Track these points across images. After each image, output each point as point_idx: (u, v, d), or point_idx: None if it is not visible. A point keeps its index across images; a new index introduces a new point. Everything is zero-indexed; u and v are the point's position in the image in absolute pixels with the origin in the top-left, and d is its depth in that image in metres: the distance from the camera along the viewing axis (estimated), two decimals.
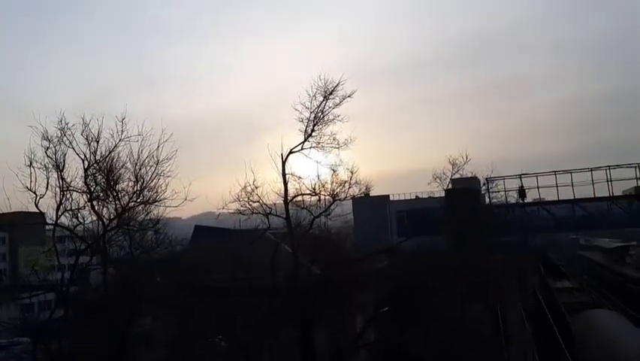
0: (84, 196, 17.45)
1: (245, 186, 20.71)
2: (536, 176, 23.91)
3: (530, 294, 31.41)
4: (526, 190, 24.68)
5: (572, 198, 41.11)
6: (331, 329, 22.11)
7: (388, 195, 35.30)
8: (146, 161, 17.77)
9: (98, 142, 17.21)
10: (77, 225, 17.65)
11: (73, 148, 17.07)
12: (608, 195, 47.86)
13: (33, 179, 16.66)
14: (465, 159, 22.06)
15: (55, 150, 16.80)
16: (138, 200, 17.93)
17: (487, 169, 24.87)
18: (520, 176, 23.58)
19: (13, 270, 73.90)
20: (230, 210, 21.69)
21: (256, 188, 20.90)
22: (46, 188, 16.89)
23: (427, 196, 55.56)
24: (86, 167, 17.21)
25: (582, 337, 25.98)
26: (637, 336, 22.90)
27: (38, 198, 16.81)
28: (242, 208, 21.27)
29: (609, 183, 46.52)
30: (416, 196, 53.54)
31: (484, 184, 23.67)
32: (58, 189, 16.98)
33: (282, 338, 18.98)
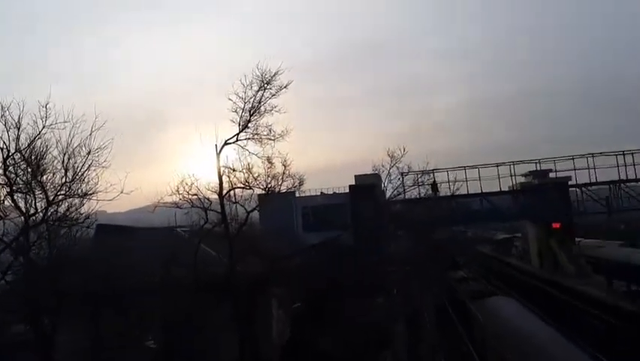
0: (3, 189, 15.52)
1: (183, 180, 19.82)
2: (447, 171, 25.07)
3: (432, 285, 32.89)
4: (439, 184, 25.70)
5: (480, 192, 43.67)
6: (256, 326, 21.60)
7: (294, 192, 35.19)
8: (77, 150, 16.19)
9: (19, 129, 15.33)
10: None
11: None
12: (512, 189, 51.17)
13: None
14: (402, 151, 22.42)
15: None
16: (67, 193, 16.23)
17: (422, 162, 25.54)
18: (432, 171, 24.51)
19: None
20: (167, 204, 20.41)
21: (196, 180, 20.07)
22: None
23: (332, 193, 56.30)
24: (5, 156, 15.26)
25: (482, 321, 27.52)
26: (529, 319, 24.77)
27: None
28: (180, 202, 20.15)
29: (512, 177, 49.88)
30: (321, 192, 53.81)
31: (398, 178, 24.36)
32: None
33: (217, 334, 18.01)
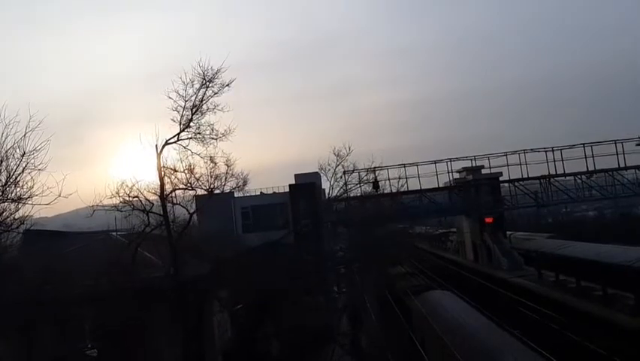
0: None
1: (123, 182, 18.97)
2: (387, 169, 25.22)
3: (374, 281, 33.38)
4: (380, 182, 25.97)
5: (419, 188, 44.53)
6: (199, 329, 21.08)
7: (232, 192, 34.74)
8: (10, 152, 14.96)
9: None
10: None
11: None
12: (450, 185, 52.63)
13: None
14: (348, 150, 22.13)
15: None
16: (0, 197, 15.14)
17: (368, 160, 25.49)
18: (373, 169, 24.64)
19: None
20: (105, 207, 19.56)
21: (137, 182, 19.20)
22: None
23: (272, 192, 56.03)
24: None
25: (424, 313, 28.23)
26: (466, 310, 25.68)
27: None
28: (120, 205, 19.42)
29: (449, 174, 51.29)
30: (260, 192, 53.43)
31: (341, 177, 24.32)
32: None
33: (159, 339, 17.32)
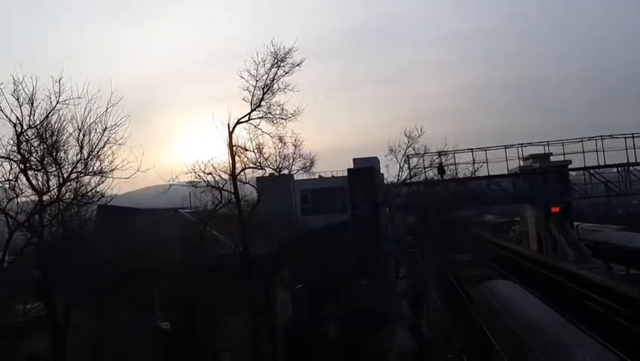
0: (15, 166, 14.84)
1: (198, 159, 19.51)
2: (454, 153, 24.28)
3: (436, 267, 32.96)
4: (445, 167, 25.19)
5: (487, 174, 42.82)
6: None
7: (292, 175, 35.08)
8: (92, 127, 15.48)
9: (32, 104, 14.62)
10: (10, 198, 14.90)
11: (2, 110, 14.44)
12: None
13: None
14: (420, 131, 21.55)
15: None
16: (83, 170, 15.59)
17: (436, 144, 24.77)
18: (439, 153, 23.91)
19: None
20: (182, 183, 20.30)
21: (211, 159, 19.69)
22: None
23: (330, 176, 56.14)
24: (18, 132, 14.62)
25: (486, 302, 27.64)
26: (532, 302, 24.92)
27: None
28: (196, 180, 19.97)
29: (519, 160, 49.40)
30: (319, 176, 53.65)
31: (405, 162, 23.72)
32: None
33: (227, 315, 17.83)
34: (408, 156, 23.60)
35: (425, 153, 23.86)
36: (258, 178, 26.72)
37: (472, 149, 39.87)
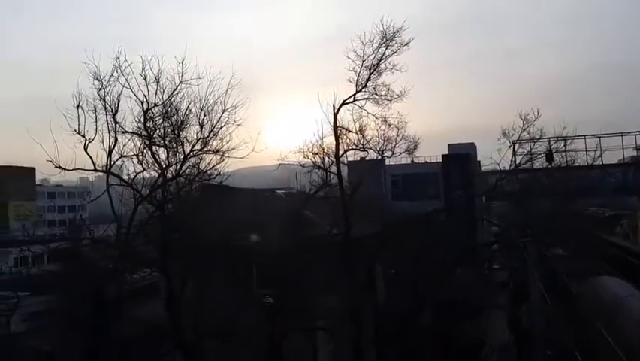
0: (141, 142, 16.01)
1: (306, 140, 19.99)
2: (564, 140, 22.41)
3: (538, 259, 31.40)
4: (554, 154, 23.47)
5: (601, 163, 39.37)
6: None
7: (384, 160, 34.71)
8: (212, 107, 16.41)
9: (158, 83, 15.70)
10: (138, 173, 16.22)
11: (130, 88, 15.60)
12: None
13: (82, 121, 15.30)
14: (537, 114, 20.10)
15: (106, 91, 15.43)
16: (203, 148, 16.59)
17: (559, 126, 23.03)
18: (548, 139, 22.23)
19: (1, 225, 72.06)
20: (291, 162, 20.94)
21: (321, 139, 20.01)
22: (95, 132, 15.53)
23: (423, 161, 55.09)
24: (145, 109, 15.76)
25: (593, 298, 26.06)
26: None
27: (87, 142, 15.45)
28: (304, 161, 20.46)
29: (637, 150, 45.70)
30: (412, 161, 52.77)
31: (520, 146, 22.25)
32: (109, 134, 15.61)
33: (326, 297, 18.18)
34: (521, 140, 22.07)
35: (540, 138, 22.25)
36: (349, 163, 26.77)
37: (584, 135, 37.21)
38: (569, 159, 25.12)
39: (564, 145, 23.75)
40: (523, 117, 20.99)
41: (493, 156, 22.36)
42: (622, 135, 43.12)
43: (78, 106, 15.08)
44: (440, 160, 55.49)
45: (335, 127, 19.59)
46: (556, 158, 23.68)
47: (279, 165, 21.14)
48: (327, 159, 20.28)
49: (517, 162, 23.13)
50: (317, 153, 19.96)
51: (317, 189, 20.89)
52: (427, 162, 55.29)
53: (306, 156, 20.02)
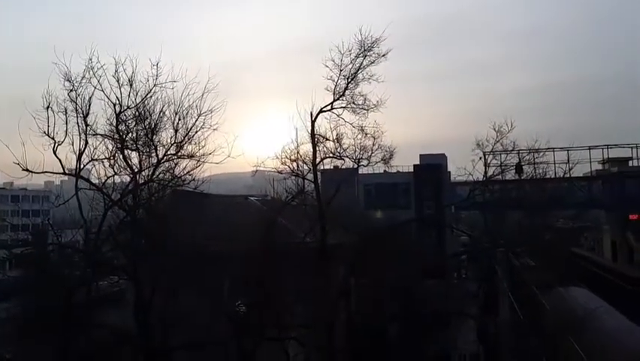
0: (111, 145, 15.73)
1: (284, 146, 19.89)
2: (533, 152, 22.95)
3: (505, 269, 31.96)
4: (523, 166, 23.97)
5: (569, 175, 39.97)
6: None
7: (357, 169, 34.87)
8: (187, 111, 16.18)
9: (131, 85, 15.44)
10: (108, 177, 15.90)
11: (102, 90, 15.28)
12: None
13: (51, 123, 14.92)
14: (510, 126, 20.43)
15: (77, 93, 15.11)
16: (177, 153, 16.33)
17: (531, 139, 23.62)
18: (518, 151, 22.73)
19: None
20: (267, 169, 20.71)
21: (297, 147, 19.92)
22: (65, 134, 15.19)
23: (395, 171, 55.29)
24: (117, 112, 15.43)
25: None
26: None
27: (57, 144, 15.08)
28: (281, 167, 20.26)
29: (603, 164, 46.74)
30: (384, 170, 52.97)
31: (480, 158, 22.64)
32: (79, 136, 15.32)
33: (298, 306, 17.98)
34: (494, 152, 22.44)
35: (512, 150, 22.68)
36: (322, 171, 26.76)
37: (553, 148, 38.12)
38: (540, 171, 25.64)
39: (534, 158, 24.23)
40: (496, 129, 21.35)
41: (466, 167, 22.65)
42: (589, 149, 44.37)
43: (48, 107, 14.72)
44: (412, 170, 56.02)
45: (312, 135, 19.60)
46: (527, 170, 24.11)
47: (256, 171, 20.99)
48: (304, 166, 20.21)
49: (490, 173, 23.46)
50: (294, 160, 19.88)
51: (292, 197, 20.76)
52: (398, 172, 55.69)
53: (284, 162, 19.90)
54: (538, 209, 25.07)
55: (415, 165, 56.18)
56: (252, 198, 27.84)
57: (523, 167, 23.83)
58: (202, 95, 16.03)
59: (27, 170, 14.65)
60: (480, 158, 23.05)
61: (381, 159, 21.46)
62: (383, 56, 19.18)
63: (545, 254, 26.19)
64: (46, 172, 15.32)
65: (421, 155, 57.47)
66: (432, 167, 53.97)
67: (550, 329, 22.40)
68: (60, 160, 15.24)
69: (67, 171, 15.47)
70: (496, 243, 25.17)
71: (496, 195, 25.09)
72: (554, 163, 36.50)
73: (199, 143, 16.47)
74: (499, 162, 23.81)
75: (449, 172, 53.37)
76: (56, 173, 15.68)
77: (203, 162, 16.76)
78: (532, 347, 21.72)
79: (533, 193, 24.98)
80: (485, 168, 23.55)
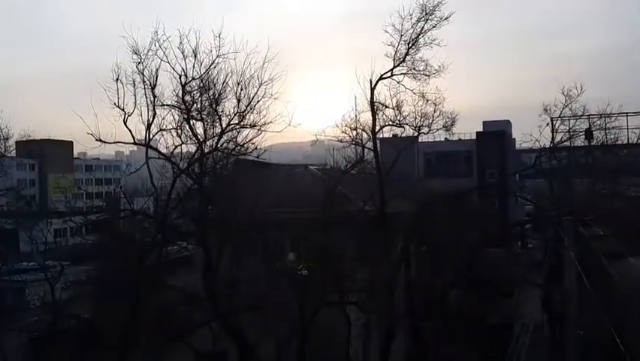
0: (178, 116, 16.24)
1: (344, 115, 19.94)
2: (604, 117, 21.53)
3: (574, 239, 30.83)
4: (593, 131, 22.70)
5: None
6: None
7: (417, 136, 34.24)
8: (249, 81, 16.43)
9: (195, 57, 15.78)
10: (176, 146, 16.45)
11: (168, 62, 15.69)
12: None
13: (121, 95, 15.45)
14: (579, 90, 19.38)
15: (144, 65, 15.54)
16: (240, 122, 16.68)
17: (602, 103, 22.31)
18: (588, 116, 21.46)
19: (41, 196, 74.76)
20: (328, 137, 20.88)
21: (358, 114, 19.92)
22: (134, 105, 15.69)
23: (457, 139, 54.09)
24: (183, 83, 15.90)
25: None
26: None
27: (126, 115, 15.62)
28: (341, 136, 20.31)
29: None
30: (445, 138, 51.99)
31: (547, 124, 21.55)
32: (147, 107, 15.76)
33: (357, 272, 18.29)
34: (562, 117, 21.45)
35: (581, 116, 21.61)
36: (381, 139, 26.54)
37: (626, 113, 35.81)
38: (611, 136, 24.35)
39: (605, 123, 23.00)
40: (565, 93, 20.36)
41: (532, 134, 21.79)
42: None
43: (117, 79, 15.28)
44: (474, 137, 54.67)
45: (372, 102, 19.40)
46: (598, 136, 22.95)
47: (316, 140, 21.14)
48: (364, 134, 20.14)
49: (557, 139, 22.51)
50: (354, 129, 19.85)
51: (352, 165, 20.83)
52: (460, 139, 54.50)
53: (344, 130, 19.90)
54: (609, 176, 23.89)
55: (477, 132, 54.85)
56: (311, 167, 28.21)
57: (594, 132, 22.74)
58: (263, 65, 16.25)
59: (100, 140, 15.46)
60: (547, 124, 22.14)
61: (443, 126, 21.05)
62: (445, 19, 18.66)
63: (615, 223, 24.99)
64: (117, 142, 16.13)
65: (484, 122, 55.99)
66: (496, 134, 52.51)
67: (619, 300, 21.64)
68: (130, 130, 15.87)
69: (137, 141, 16.12)
70: (563, 211, 24.22)
71: (564, 162, 24.13)
72: (627, 128, 34.39)
73: (260, 112, 16.73)
74: (567, 128, 22.75)
75: (514, 139, 51.79)
76: (127, 143, 16.48)
77: (265, 130, 17.02)
78: (598, 317, 21.06)
79: (604, 160, 23.85)
80: (552, 134, 22.62)
